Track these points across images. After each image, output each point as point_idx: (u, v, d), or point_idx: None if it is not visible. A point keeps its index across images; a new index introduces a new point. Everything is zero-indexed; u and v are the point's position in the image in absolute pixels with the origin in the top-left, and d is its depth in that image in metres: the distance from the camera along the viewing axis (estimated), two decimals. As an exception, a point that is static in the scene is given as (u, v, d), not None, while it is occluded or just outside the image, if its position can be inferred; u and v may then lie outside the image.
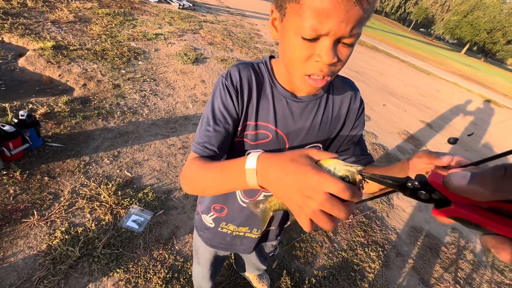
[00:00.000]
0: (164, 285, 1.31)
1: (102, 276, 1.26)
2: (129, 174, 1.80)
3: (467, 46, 32.22)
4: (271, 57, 0.65)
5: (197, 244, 0.94)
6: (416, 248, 2.13)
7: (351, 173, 0.33)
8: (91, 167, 1.76)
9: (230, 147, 0.66)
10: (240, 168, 0.43)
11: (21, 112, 1.62)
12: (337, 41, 0.45)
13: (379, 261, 1.89)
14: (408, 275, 1.88)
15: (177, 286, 1.33)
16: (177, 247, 1.50)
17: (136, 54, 3.36)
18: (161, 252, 1.44)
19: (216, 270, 1.04)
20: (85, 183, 1.64)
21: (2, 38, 2.80)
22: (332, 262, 1.77)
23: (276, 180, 0.37)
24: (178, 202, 1.75)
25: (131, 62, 3.16)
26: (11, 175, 1.52)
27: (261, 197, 0.73)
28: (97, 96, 2.42)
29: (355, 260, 1.83)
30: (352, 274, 1.73)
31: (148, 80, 2.95)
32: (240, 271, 1.44)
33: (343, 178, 0.33)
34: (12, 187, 1.47)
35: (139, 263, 1.36)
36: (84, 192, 1.58)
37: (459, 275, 2.05)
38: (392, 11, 43.63)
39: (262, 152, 0.42)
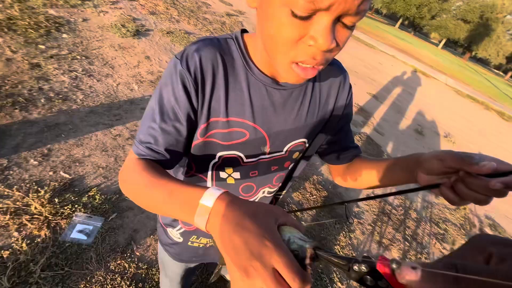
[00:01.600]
0: (127, 299, 1.15)
1: (46, 305, 1.05)
2: (67, 176, 1.50)
3: (400, 20, 35.10)
4: (243, 31, 0.51)
5: (164, 258, 0.80)
6: (372, 214, 2.32)
7: (303, 250, 0.28)
8: (12, 172, 1.41)
9: (194, 149, 0.52)
10: (192, 200, 0.33)
11: None
12: (337, 20, 0.34)
13: (343, 231, 2.01)
14: (368, 241, 2.05)
15: (143, 297, 1.19)
16: (138, 253, 1.33)
17: (58, 25, 2.74)
18: (119, 262, 1.26)
19: (188, 282, 0.93)
20: (5, 193, 1.31)
21: None
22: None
23: (227, 231, 0.29)
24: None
25: (52, 35, 2.57)
26: None
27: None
28: (9, 80, 1.92)
29: (322, 235, 1.91)
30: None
31: (78, 57, 2.46)
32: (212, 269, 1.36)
33: (294, 252, 0.28)
34: None
35: (93, 280, 1.16)
36: (5, 206, 1.26)
37: (407, 232, 2.32)
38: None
39: (224, 192, 0.33)
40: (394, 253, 2.03)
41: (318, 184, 2.34)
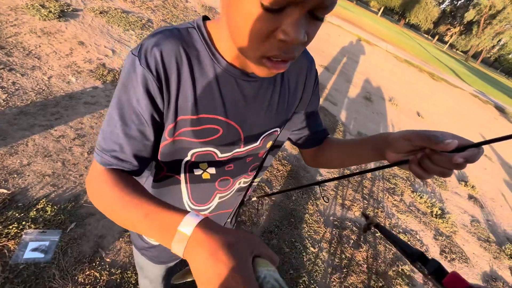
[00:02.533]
0: (104, 308, 1.10)
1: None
2: (5, 191, 1.30)
3: (343, -11, 36.15)
4: (205, 17, 0.47)
5: (142, 262, 0.77)
6: (334, 181, 2.51)
7: None
8: None
9: (162, 150, 0.49)
10: (170, 226, 0.32)
11: None
12: (308, 13, 0.32)
13: (310, 200, 2.15)
14: (332, 205, 2.22)
15: (122, 302, 1.14)
16: (108, 259, 1.25)
17: (-48, 8, 2.21)
18: (88, 273, 1.17)
19: (170, 279, 0.91)
20: None
21: None
22: (274, 215, 1.89)
23: (203, 261, 0.29)
24: (92, 206, 1.41)
25: None
26: None
27: (214, 202, 0.61)
28: None
29: (291, 206, 2.01)
30: (292, 220, 1.91)
31: (-11, 48, 2.04)
32: None
33: None
34: None
35: (61, 297, 1.08)
36: None
37: (364, 192, 2.58)
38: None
39: (203, 219, 0.32)
40: (356, 212, 2.26)
41: (283, 160, 2.42)
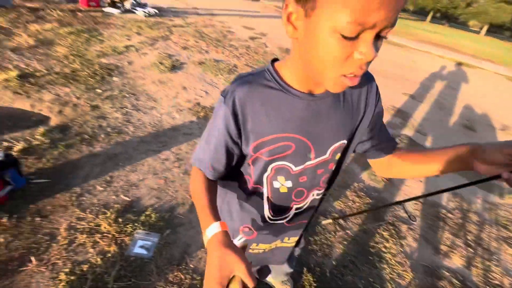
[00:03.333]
0: (186, 308, 1.25)
1: (119, 312, 1.18)
2: (127, 198, 1.71)
3: (431, 14, 33.20)
4: (274, 60, 0.60)
5: None
6: (424, 219, 2.17)
7: None
8: (84, 198, 1.65)
9: (248, 165, 0.65)
10: (204, 224, 0.53)
11: (-3, 153, 1.49)
12: (377, 34, 0.40)
13: (392, 239, 1.90)
14: (422, 247, 1.90)
15: (200, 306, 1.27)
16: (191, 265, 1.43)
17: (109, 71, 3.20)
18: (176, 274, 1.37)
19: None
20: (81, 216, 1.54)
21: (-41, 75, 2.59)
22: (349, 249, 1.76)
23: (208, 258, 0.49)
24: (184, 217, 1.67)
25: (105, 80, 3.00)
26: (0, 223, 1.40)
27: (291, 213, 0.72)
28: (76, 121, 2.28)
29: (370, 243, 1.83)
30: (370, 258, 1.73)
31: (127, 95, 2.82)
32: (262, 278, 1.40)
33: None
34: (2, 236, 1.35)
35: (156, 290, 1.29)
36: (82, 226, 1.48)
37: (469, 237, 2.10)
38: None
39: (218, 232, 0.50)
40: (456, 261, 1.86)
41: (359, 191, 2.27)
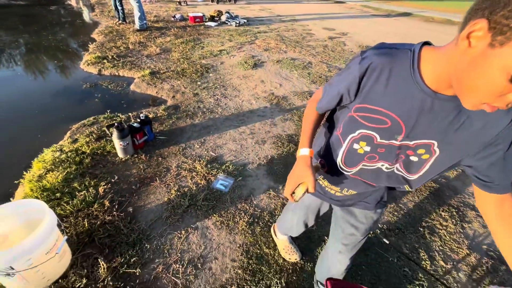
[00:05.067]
0: (247, 226, 1.69)
1: (204, 218, 1.72)
2: (214, 154, 2.31)
3: None
4: (426, 43, 0.59)
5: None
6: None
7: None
8: (187, 150, 2.33)
9: (345, 120, 0.74)
10: (301, 144, 0.83)
11: (141, 115, 2.32)
12: None
13: (453, 220, 1.87)
14: (490, 235, 1.79)
15: (257, 227, 1.69)
16: (255, 202, 1.87)
17: (207, 69, 4.06)
18: (243, 205, 1.84)
19: (309, 218, 1.19)
20: (184, 161, 2.20)
21: (119, 72, 3.86)
22: (398, 218, 1.85)
23: (296, 166, 0.81)
24: (252, 172, 2.14)
25: (204, 75, 3.86)
26: (140, 158, 2.19)
27: (357, 169, 0.79)
28: (183, 103, 3.11)
29: (424, 218, 1.86)
30: (421, 229, 1.78)
31: (218, 87, 3.56)
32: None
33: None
34: (141, 165, 2.13)
35: (228, 212, 1.78)
36: (185, 166, 2.13)
37: None
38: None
39: (306, 156, 0.79)
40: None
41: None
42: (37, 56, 4.67)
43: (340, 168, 0.82)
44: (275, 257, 1.53)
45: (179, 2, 9.50)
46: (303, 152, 0.80)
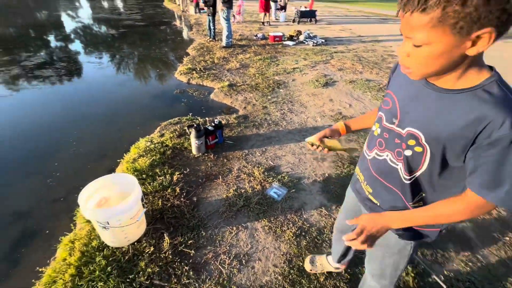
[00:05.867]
0: (293, 237, 1.73)
1: (254, 220, 1.85)
2: (272, 163, 2.44)
3: None
4: None
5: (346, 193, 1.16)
6: None
7: None
8: (249, 156, 2.53)
9: None
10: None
11: (215, 120, 2.65)
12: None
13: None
14: None
15: (303, 241, 1.71)
16: (304, 216, 1.90)
17: (278, 85, 4.30)
18: (292, 216, 1.89)
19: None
20: (245, 165, 2.40)
21: (203, 83, 4.47)
22: (472, 270, 1.59)
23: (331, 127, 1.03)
24: (306, 186, 2.18)
25: (275, 90, 4.10)
26: (209, 157, 2.50)
27: (372, 155, 0.85)
28: (252, 114, 3.37)
29: (509, 277, 1.55)
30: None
31: (286, 102, 3.73)
32: None
33: None
34: (209, 163, 2.42)
35: (277, 219, 1.86)
36: (245, 170, 2.33)
37: None
38: None
39: (340, 127, 1.04)
40: None
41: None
42: (145, 65, 5.80)
43: (365, 153, 0.91)
44: (317, 274, 1.53)
45: (263, 23, 10.31)
46: (339, 124, 1.04)
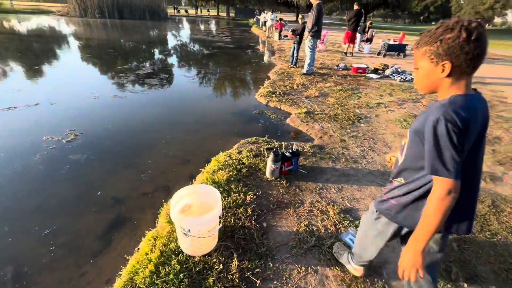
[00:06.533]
0: (372, 300, 1.49)
1: (326, 266, 1.68)
2: (349, 205, 2.24)
3: None
4: None
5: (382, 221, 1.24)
6: None
7: None
8: (323, 191, 2.39)
9: None
10: None
11: (293, 147, 2.62)
12: None
13: None
14: None
15: (384, 308, 1.46)
16: (385, 275, 1.64)
17: (359, 118, 4.07)
18: (371, 272, 1.65)
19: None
20: (319, 200, 2.27)
21: (281, 106, 4.57)
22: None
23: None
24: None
25: (355, 124, 3.88)
26: (281, 183, 2.46)
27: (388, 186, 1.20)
28: (329, 146, 3.24)
29: None
30: None
31: (367, 138, 3.47)
32: None
33: None
34: (281, 189, 2.38)
35: (351, 274, 1.65)
36: (318, 206, 2.19)
37: None
38: None
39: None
40: None
41: None
42: (230, 83, 6.32)
43: None
44: None
45: (345, 53, 10.17)
46: None
